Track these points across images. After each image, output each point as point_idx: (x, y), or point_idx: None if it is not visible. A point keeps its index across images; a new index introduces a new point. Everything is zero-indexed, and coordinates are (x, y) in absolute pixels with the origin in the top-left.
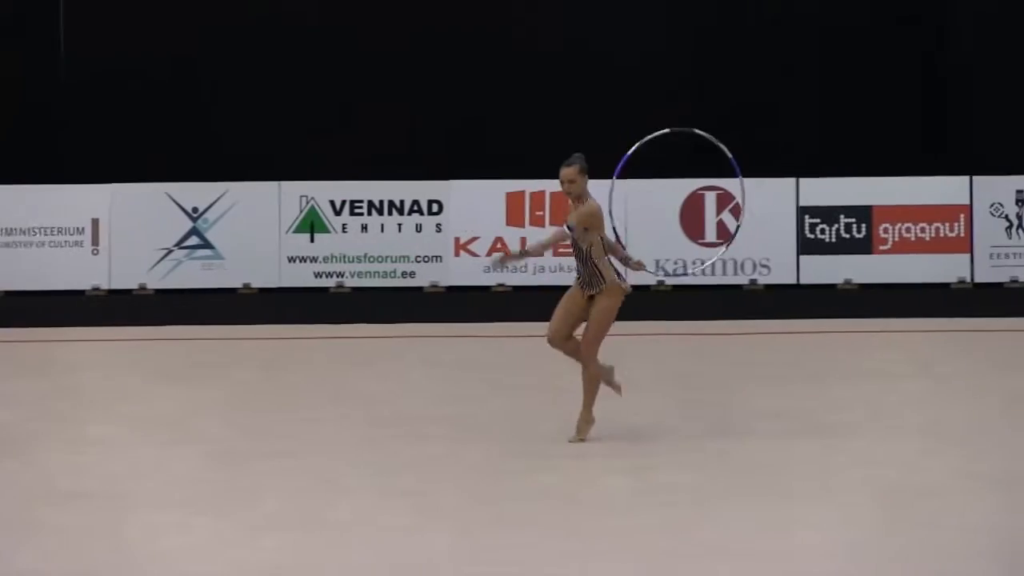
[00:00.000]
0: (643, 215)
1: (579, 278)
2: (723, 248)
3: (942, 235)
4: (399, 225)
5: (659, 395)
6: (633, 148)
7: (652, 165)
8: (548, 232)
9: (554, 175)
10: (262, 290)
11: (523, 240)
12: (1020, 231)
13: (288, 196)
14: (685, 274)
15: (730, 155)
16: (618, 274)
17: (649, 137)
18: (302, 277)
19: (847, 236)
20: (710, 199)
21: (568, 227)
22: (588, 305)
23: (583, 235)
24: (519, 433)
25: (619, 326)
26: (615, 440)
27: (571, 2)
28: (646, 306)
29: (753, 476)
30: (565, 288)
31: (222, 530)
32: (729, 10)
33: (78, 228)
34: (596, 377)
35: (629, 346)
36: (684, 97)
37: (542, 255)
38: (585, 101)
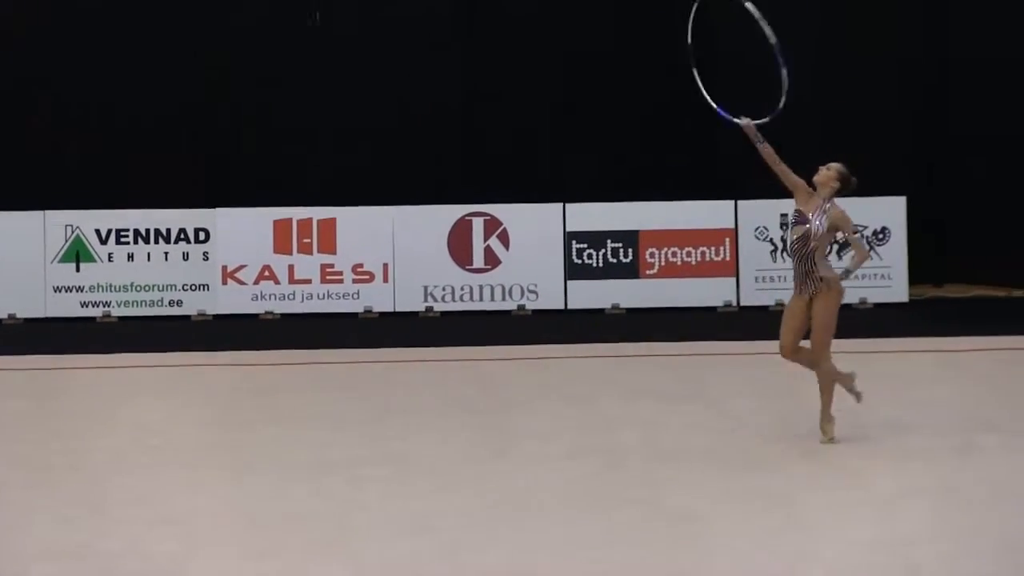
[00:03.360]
0: (411, 241)
1: (796, 281)
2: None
3: (708, 259)
4: (165, 254)
5: (443, 420)
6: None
7: (421, 191)
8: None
9: (322, 202)
10: (28, 320)
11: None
12: (785, 255)
13: (53, 225)
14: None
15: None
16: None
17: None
18: (68, 307)
19: (614, 261)
20: (478, 225)
21: (801, 214)
22: (809, 310)
23: (822, 235)
24: (294, 460)
25: (391, 353)
26: (398, 466)
27: (343, 26)
28: (415, 332)
29: (534, 498)
30: (334, 315)
31: None
32: (496, 41)
33: None
34: (830, 375)
35: (402, 373)
36: (453, 123)
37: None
38: (352, 127)
